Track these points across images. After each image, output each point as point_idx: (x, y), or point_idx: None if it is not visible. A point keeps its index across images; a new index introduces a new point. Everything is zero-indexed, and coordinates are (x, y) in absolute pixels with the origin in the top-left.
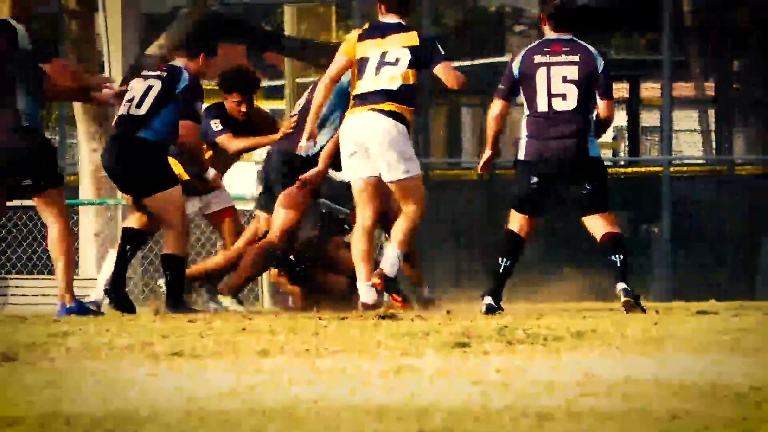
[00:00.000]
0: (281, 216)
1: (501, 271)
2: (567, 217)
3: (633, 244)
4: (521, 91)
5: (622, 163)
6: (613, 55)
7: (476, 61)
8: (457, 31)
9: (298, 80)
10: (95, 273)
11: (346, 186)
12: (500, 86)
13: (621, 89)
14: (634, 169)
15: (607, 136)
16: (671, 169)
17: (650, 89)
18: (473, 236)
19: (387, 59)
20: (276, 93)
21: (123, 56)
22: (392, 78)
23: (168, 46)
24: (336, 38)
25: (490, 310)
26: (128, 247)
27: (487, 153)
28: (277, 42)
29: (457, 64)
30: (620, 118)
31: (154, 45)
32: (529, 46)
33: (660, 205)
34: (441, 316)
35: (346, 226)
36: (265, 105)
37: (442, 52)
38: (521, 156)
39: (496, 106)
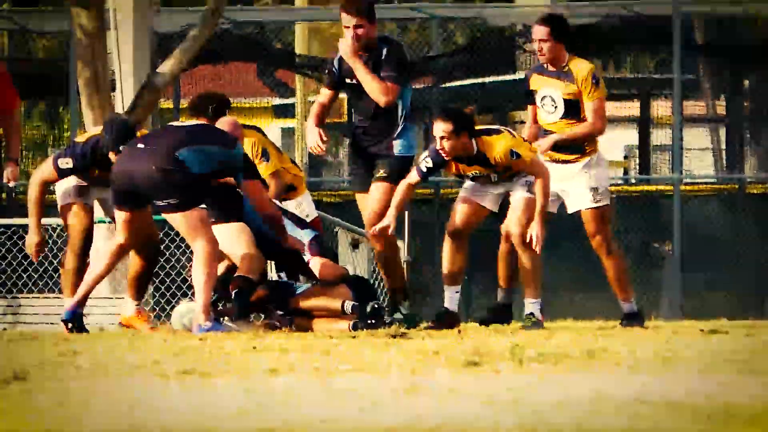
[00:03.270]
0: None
1: None
2: (578, 237)
3: (643, 262)
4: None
5: (633, 181)
6: (624, 73)
7: (487, 79)
8: (467, 49)
9: (309, 98)
10: (108, 292)
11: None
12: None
13: (632, 107)
14: (645, 188)
15: (618, 155)
16: (682, 187)
17: (661, 107)
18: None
19: None
20: (287, 111)
21: (135, 74)
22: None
23: (179, 64)
24: None
25: None
26: None
27: None
28: (288, 60)
29: (467, 81)
30: (631, 137)
31: (166, 63)
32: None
33: (671, 224)
34: (452, 334)
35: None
36: (276, 123)
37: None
38: None
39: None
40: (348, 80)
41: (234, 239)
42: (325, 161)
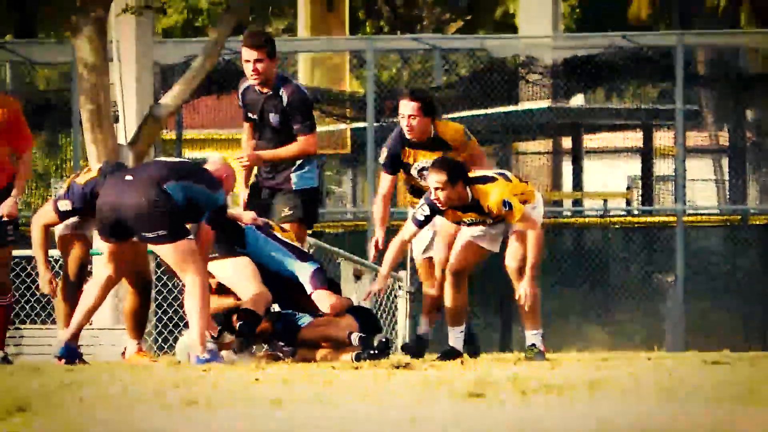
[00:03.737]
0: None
1: None
2: (582, 267)
3: (646, 292)
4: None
5: (636, 212)
6: (627, 104)
7: (489, 110)
8: (470, 80)
9: None
10: (111, 323)
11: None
12: None
13: (634, 138)
14: (648, 219)
15: (621, 185)
16: (685, 218)
17: (663, 138)
18: (487, 283)
19: None
20: None
21: (137, 105)
22: None
23: (182, 95)
24: (350, 87)
25: None
26: None
27: None
28: None
29: (470, 113)
30: (634, 168)
31: (168, 94)
32: None
33: (673, 255)
34: (455, 365)
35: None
36: None
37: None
38: None
39: None
40: (250, 114)
41: (239, 273)
42: (328, 192)
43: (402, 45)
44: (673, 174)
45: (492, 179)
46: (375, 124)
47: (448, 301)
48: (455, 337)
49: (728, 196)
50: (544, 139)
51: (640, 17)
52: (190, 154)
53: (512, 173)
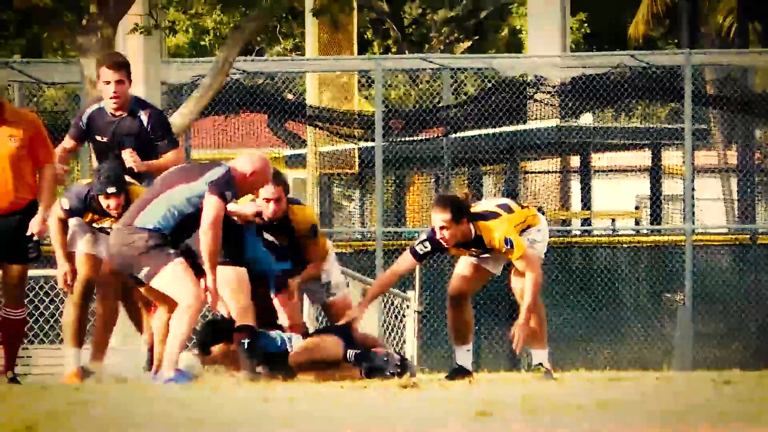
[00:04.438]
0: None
1: None
2: (590, 287)
3: (655, 312)
4: None
5: (645, 231)
6: (635, 123)
7: (497, 130)
8: (478, 99)
9: (320, 149)
10: (120, 344)
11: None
12: None
13: (643, 157)
14: (657, 238)
15: (629, 205)
16: (693, 237)
17: (672, 157)
18: (496, 304)
19: None
20: (298, 161)
21: None
22: None
23: (190, 114)
24: (358, 107)
25: None
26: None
27: None
28: (299, 111)
29: (478, 132)
30: (642, 187)
31: (176, 114)
32: None
33: (682, 274)
34: (463, 384)
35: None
36: (288, 173)
37: None
38: None
39: None
40: (99, 137)
41: (234, 287)
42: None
43: (410, 64)
44: (682, 193)
45: (494, 215)
46: (383, 144)
47: (451, 322)
48: (461, 356)
49: (737, 216)
50: (552, 158)
51: (638, 36)
52: None
53: (514, 201)
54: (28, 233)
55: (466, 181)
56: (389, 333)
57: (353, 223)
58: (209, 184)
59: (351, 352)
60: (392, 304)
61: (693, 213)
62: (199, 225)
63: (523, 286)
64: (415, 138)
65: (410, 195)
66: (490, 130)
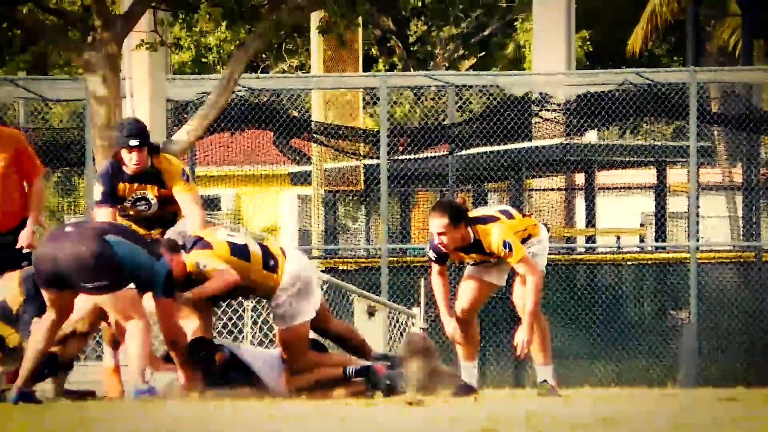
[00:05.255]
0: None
1: None
2: (595, 304)
3: (660, 329)
4: None
5: (649, 249)
6: (640, 141)
7: (502, 147)
8: (482, 116)
9: (325, 166)
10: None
11: None
12: None
13: (648, 175)
14: (661, 255)
15: (634, 222)
16: (698, 255)
17: (677, 175)
18: (503, 319)
19: None
20: (304, 178)
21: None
22: None
23: (195, 131)
24: (363, 124)
25: None
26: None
27: None
28: (304, 128)
29: (483, 149)
30: (647, 204)
31: (181, 131)
32: None
33: (687, 291)
34: (468, 401)
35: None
36: (293, 190)
37: None
38: None
39: None
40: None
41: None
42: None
43: (415, 82)
44: (687, 211)
45: (493, 219)
46: (388, 161)
47: (459, 337)
48: (468, 373)
49: (742, 233)
50: (557, 175)
51: (635, 51)
52: (203, 191)
53: (515, 209)
54: (18, 246)
55: (471, 198)
56: (394, 350)
57: (358, 240)
58: None
59: (350, 369)
60: (397, 320)
61: (698, 230)
62: None
63: (525, 300)
64: (420, 155)
65: (415, 212)
66: (495, 148)
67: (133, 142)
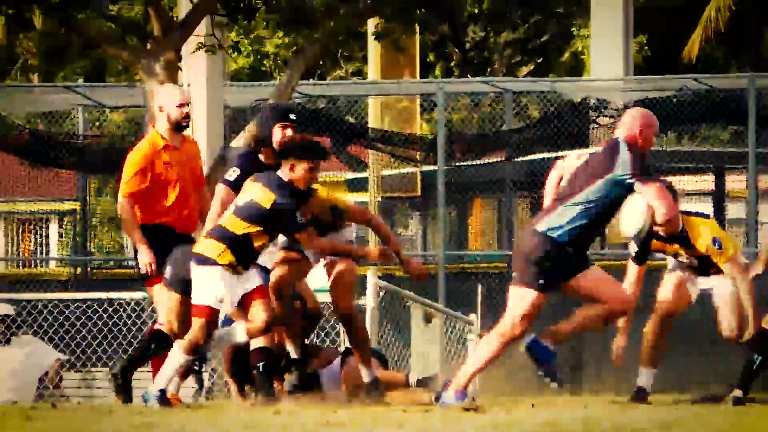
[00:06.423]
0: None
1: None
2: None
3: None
4: None
5: None
6: (698, 147)
7: (560, 153)
8: (540, 123)
9: (382, 172)
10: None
11: None
12: None
13: (706, 181)
14: None
15: None
16: None
17: (735, 181)
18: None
19: None
20: (360, 185)
21: (208, 149)
22: None
23: (252, 138)
24: (420, 130)
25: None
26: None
27: None
28: (361, 134)
29: (540, 155)
30: (705, 211)
31: (239, 137)
32: None
33: None
34: (525, 407)
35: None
36: (350, 197)
37: None
38: None
39: None
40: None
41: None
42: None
43: (472, 88)
44: (745, 217)
45: (706, 216)
46: (445, 167)
47: (649, 341)
48: (647, 378)
49: None
50: None
51: (692, 57)
52: None
53: None
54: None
55: (529, 206)
56: (451, 357)
57: (415, 247)
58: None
59: (413, 376)
60: (454, 327)
61: (756, 237)
62: None
63: (735, 336)
64: (477, 162)
65: (472, 218)
66: (553, 154)
67: (292, 116)
